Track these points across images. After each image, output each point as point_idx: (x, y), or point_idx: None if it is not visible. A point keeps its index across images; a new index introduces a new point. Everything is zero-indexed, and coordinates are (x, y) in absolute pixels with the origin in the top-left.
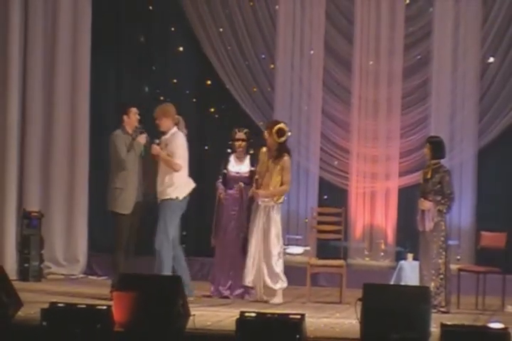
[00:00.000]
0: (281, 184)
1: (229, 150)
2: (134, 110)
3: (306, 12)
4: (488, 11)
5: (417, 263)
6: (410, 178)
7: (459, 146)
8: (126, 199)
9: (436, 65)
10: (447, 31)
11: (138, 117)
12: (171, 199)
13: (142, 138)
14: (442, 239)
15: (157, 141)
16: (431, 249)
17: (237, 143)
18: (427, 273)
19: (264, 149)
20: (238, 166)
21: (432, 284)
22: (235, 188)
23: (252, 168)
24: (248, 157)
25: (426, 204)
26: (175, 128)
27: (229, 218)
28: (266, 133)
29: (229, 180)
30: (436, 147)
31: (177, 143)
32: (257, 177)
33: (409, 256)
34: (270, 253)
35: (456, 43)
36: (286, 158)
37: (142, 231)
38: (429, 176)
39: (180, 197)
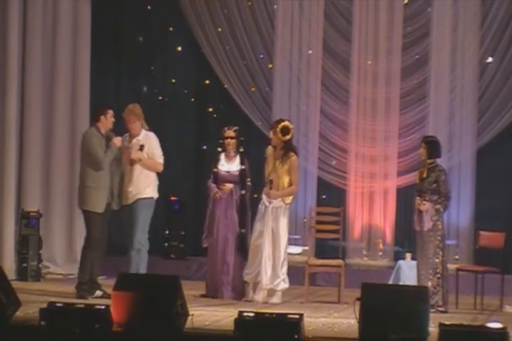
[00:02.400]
0: (290, 184)
1: (219, 149)
2: (111, 112)
3: (305, 12)
4: (487, 11)
5: (415, 262)
6: (408, 178)
7: (458, 146)
8: (100, 199)
9: (435, 65)
10: (446, 31)
11: (113, 120)
12: (151, 198)
13: (118, 141)
14: (439, 238)
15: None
16: (428, 248)
17: (226, 141)
18: (424, 272)
19: (270, 149)
20: (228, 165)
21: (429, 284)
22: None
23: (243, 167)
24: (238, 155)
25: (425, 206)
26: (143, 129)
27: (221, 218)
28: (271, 133)
29: (219, 179)
30: (432, 146)
31: (154, 144)
32: (271, 178)
33: (408, 255)
34: (278, 256)
35: (455, 43)
36: (293, 157)
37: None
38: (425, 176)
39: (156, 197)
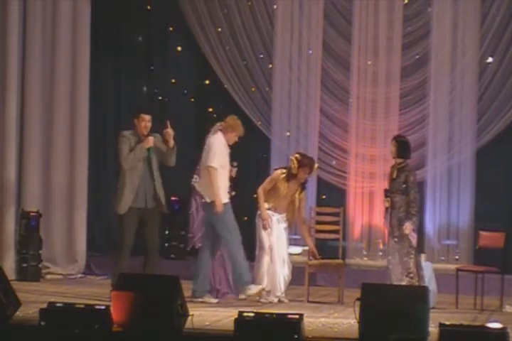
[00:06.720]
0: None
1: None
2: (143, 116)
3: (305, 11)
4: (487, 11)
5: None
6: None
7: (458, 146)
8: (122, 200)
9: (435, 65)
10: (446, 31)
11: (148, 125)
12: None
13: (148, 142)
14: (410, 237)
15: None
16: (401, 248)
17: None
18: (395, 272)
19: (283, 174)
20: None
21: (402, 283)
22: None
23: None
24: None
25: (407, 227)
26: None
27: None
28: (306, 172)
29: None
30: (402, 146)
31: None
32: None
33: None
34: (288, 261)
35: (455, 43)
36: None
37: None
38: (394, 176)
39: None
